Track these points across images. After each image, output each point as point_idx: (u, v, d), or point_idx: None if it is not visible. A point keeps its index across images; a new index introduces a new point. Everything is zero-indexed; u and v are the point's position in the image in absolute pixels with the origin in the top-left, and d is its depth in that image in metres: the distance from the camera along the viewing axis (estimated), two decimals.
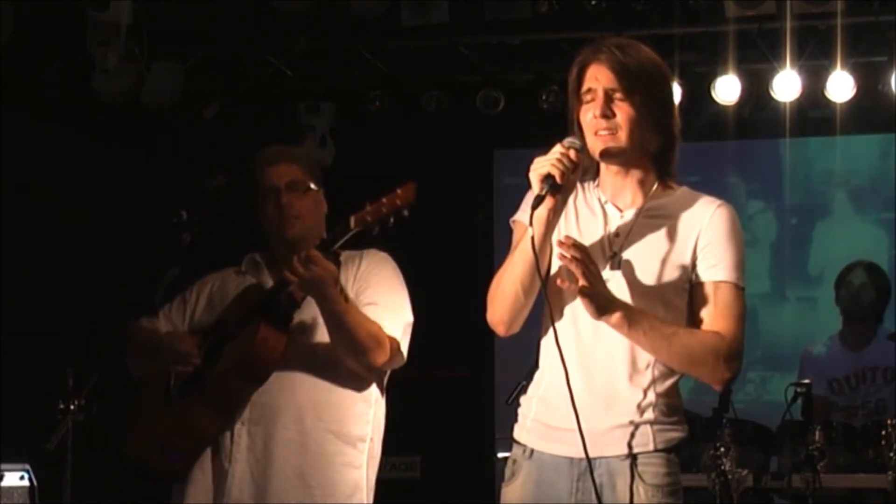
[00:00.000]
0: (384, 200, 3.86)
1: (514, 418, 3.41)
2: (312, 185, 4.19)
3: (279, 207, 4.13)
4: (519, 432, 3.34)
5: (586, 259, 3.15)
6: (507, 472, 3.33)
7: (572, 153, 3.19)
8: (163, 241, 4.20)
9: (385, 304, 4.10)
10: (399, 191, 3.86)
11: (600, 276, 3.18)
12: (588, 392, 3.23)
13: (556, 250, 3.25)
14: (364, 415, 4.14)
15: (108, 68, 6.57)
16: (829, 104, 7.11)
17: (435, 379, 7.53)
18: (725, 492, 5.75)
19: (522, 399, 3.37)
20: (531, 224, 3.16)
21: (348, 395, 4.11)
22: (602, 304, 3.16)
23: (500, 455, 6.63)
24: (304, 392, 4.07)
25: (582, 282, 3.14)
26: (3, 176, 7.10)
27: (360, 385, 4.13)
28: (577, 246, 3.15)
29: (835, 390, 6.55)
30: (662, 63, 3.32)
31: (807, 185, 8.28)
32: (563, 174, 3.17)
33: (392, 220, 3.84)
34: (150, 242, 4.28)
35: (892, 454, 5.79)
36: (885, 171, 8.00)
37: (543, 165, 3.18)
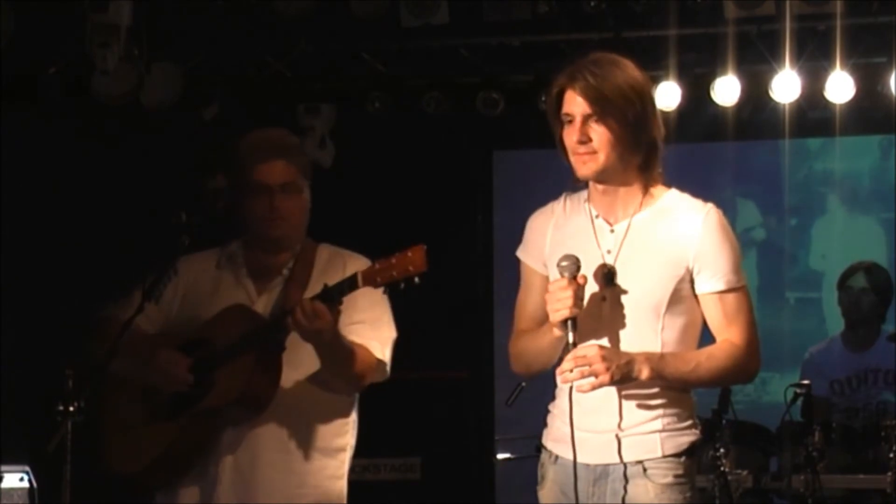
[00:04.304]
0: (393, 261, 3.72)
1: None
2: (305, 186, 4.09)
3: (270, 209, 4.02)
4: (545, 438, 3.48)
5: (598, 361, 3.25)
6: (539, 476, 3.48)
7: (580, 279, 3.27)
8: (162, 242, 4.20)
9: (372, 321, 4.04)
10: (409, 253, 3.71)
11: (615, 355, 3.27)
12: (598, 399, 3.33)
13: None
14: (345, 425, 4.13)
15: (107, 70, 6.55)
16: (828, 105, 7.09)
17: (435, 379, 7.53)
18: (725, 493, 5.75)
19: (551, 405, 3.49)
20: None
21: (332, 411, 4.09)
22: (626, 377, 3.27)
23: (500, 456, 6.62)
24: (289, 413, 4.02)
25: (602, 379, 3.25)
26: (3, 176, 7.09)
27: (343, 402, 4.12)
28: (585, 357, 3.25)
29: (836, 391, 6.55)
30: (640, 77, 3.37)
31: (807, 186, 8.28)
32: (580, 304, 3.26)
33: (402, 285, 3.72)
34: (150, 243, 4.27)
35: (891, 455, 5.79)
36: (885, 171, 8.00)
37: (561, 311, 3.26)
